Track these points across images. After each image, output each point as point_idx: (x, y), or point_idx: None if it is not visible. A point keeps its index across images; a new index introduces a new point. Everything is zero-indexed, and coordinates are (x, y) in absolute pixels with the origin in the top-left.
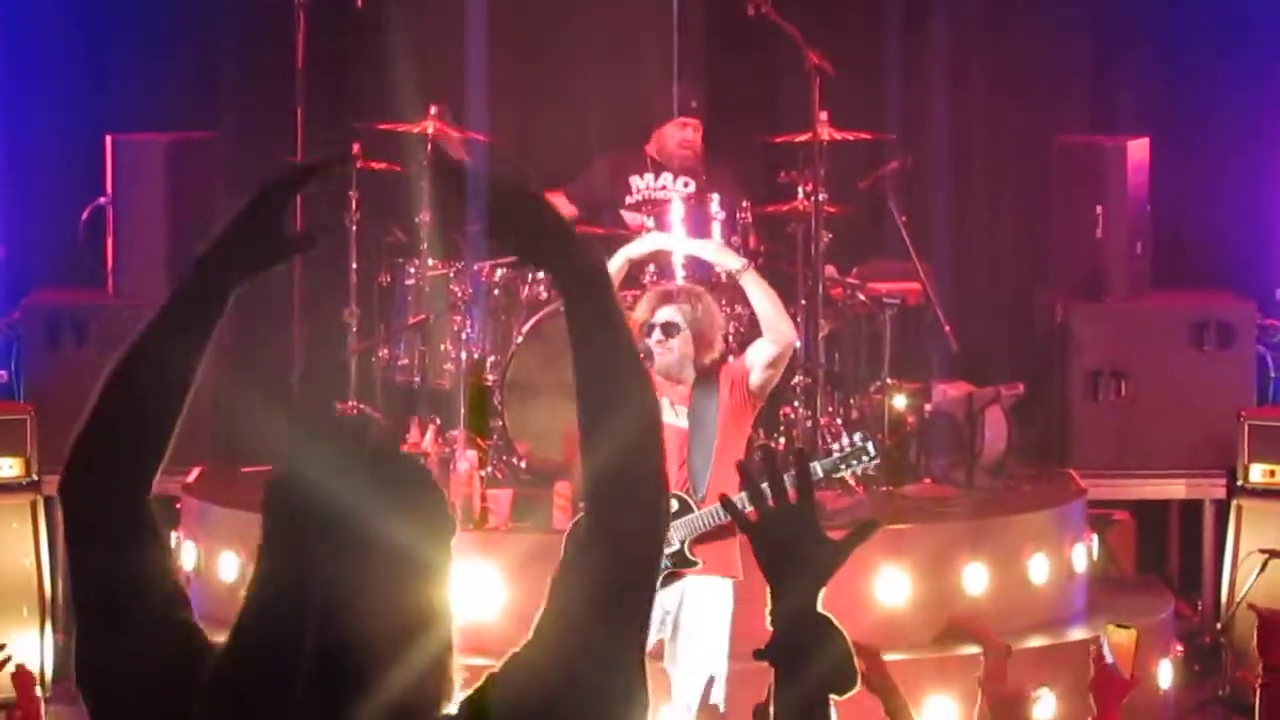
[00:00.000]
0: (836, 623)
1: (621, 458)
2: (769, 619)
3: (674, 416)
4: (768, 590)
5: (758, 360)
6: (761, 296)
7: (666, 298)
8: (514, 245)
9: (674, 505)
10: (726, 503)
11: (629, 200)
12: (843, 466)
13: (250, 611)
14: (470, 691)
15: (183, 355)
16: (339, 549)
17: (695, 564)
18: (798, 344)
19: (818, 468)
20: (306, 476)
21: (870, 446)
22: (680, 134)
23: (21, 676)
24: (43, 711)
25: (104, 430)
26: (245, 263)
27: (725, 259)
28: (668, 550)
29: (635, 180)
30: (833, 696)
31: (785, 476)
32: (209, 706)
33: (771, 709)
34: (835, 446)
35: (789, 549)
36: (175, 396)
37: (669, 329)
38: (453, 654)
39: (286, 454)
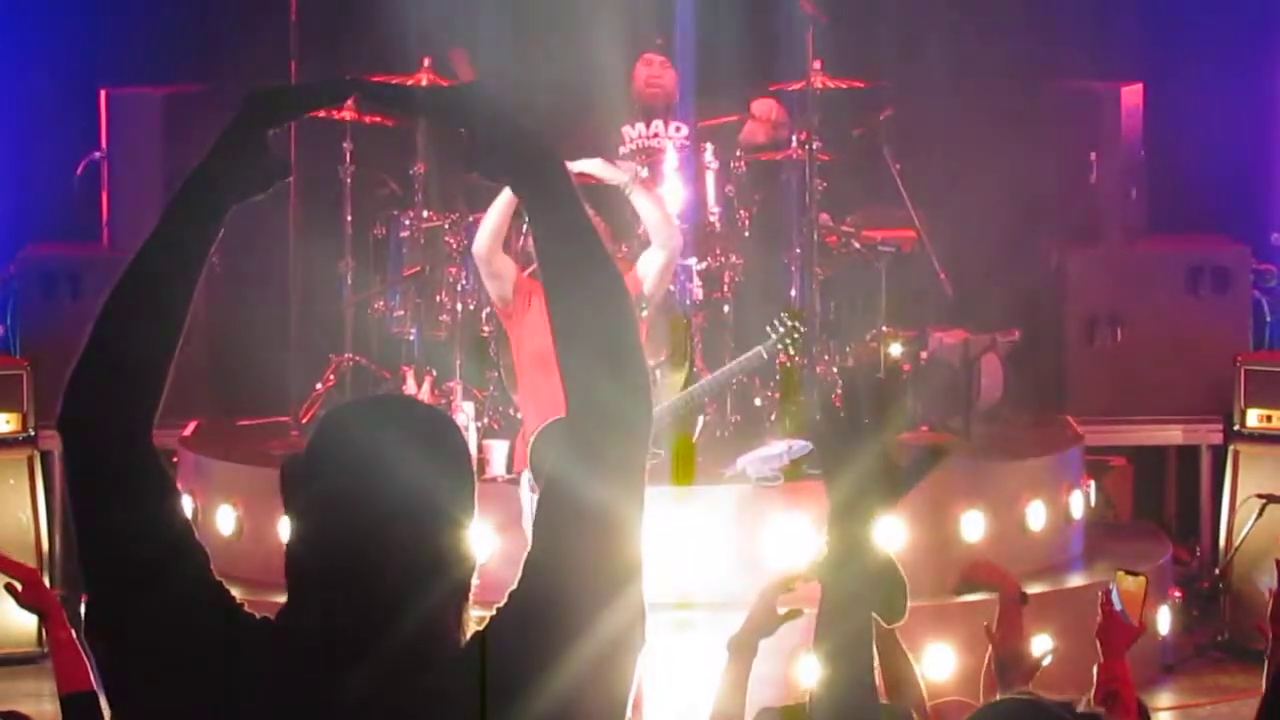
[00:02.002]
0: (890, 553)
1: (598, 334)
2: (822, 540)
3: None
4: (827, 510)
5: (650, 270)
6: (650, 208)
7: None
8: (493, 166)
9: None
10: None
11: (622, 150)
12: (778, 347)
13: (299, 571)
14: (479, 627)
15: (179, 278)
16: (371, 499)
17: None
18: (793, 293)
19: (762, 351)
20: (339, 433)
21: (796, 325)
22: (647, 71)
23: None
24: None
25: (102, 358)
26: (235, 182)
27: (609, 173)
28: None
29: (627, 129)
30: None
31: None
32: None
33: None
34: (769, 329)
35: (854, 467)
36: (173, 321)
37: None
38: (469, 597)
39: (320, 447)
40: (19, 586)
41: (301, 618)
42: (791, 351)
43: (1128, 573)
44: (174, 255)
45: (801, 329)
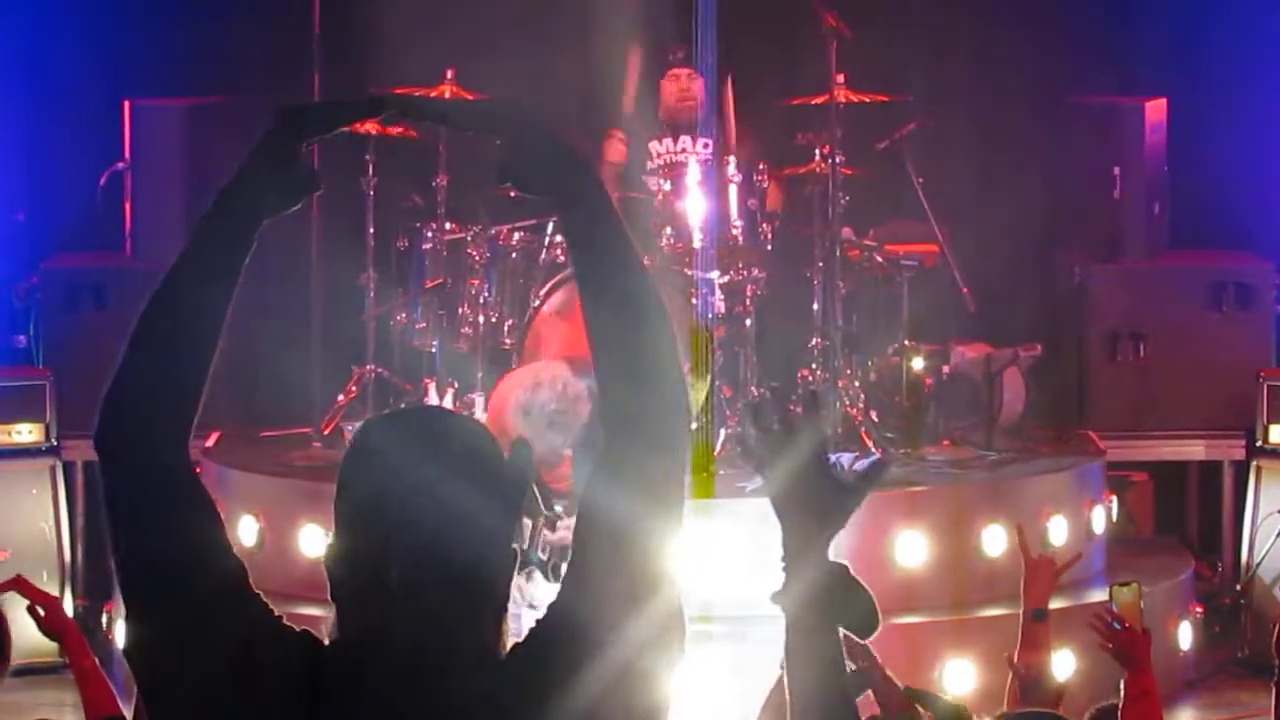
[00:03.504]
0: (851, 569)
1: (634, 348)
2: (781, 564)
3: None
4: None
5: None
6: None
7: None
8: (528, 177)
9: None
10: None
11: (649, 166)
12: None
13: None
14: (519, 639)
15: (212, 297)
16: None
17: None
18: (815, 307)
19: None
20: (381, 454)
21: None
22: (675, 87)
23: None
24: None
25: (136, 380)
26: (266, 196)
27: None
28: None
29: (654, 145)
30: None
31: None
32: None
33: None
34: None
35: (801, 494)
36: (208, 341)
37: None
38: (508, 608)
39: (359, 462)
40: (41, 612)
41: (347, 633)
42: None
43: (1121, 584)
44: (206, 274)
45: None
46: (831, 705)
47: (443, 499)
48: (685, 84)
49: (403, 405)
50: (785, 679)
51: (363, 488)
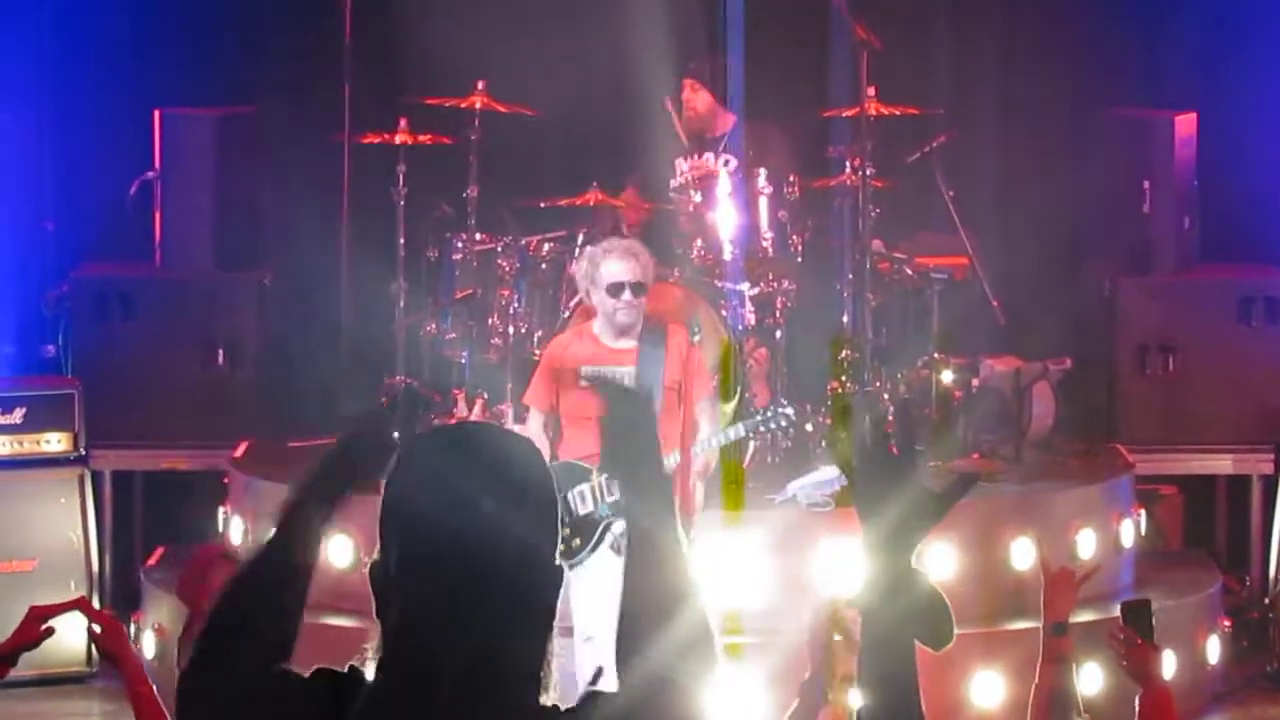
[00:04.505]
0: (930, 578)
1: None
2: (861, 569)
3: (624, 380)
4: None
5: (702, 407)
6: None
7: (633, 254)
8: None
9: None
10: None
11: (673, 183)
12: (761, 427)
13: (395, 649)
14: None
15: (298, 576)
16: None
17: None
18: (845, 319)
19: (741, 428)
20: (424, 469)
21: (790, 413)
22: (679, 98)
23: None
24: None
25: (228, 642)
26: (358, 474)
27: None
28: (609, 499)
29: (680, 162)
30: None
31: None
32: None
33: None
34: (756, 412)
35: (889, 499)
36: (297, 609)
37: (638, 288)
38: (552, 629)
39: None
40: (98, 630)
41: (392, 657)
42: (766, 433)
43: (1130, 601)
44: (292, 560)
45: (790, 424)
46: (903, 708)
47: (486, 513)
48: (688, 95)
49: (450, 421)
50: (857, 679)
51: (407, 503)
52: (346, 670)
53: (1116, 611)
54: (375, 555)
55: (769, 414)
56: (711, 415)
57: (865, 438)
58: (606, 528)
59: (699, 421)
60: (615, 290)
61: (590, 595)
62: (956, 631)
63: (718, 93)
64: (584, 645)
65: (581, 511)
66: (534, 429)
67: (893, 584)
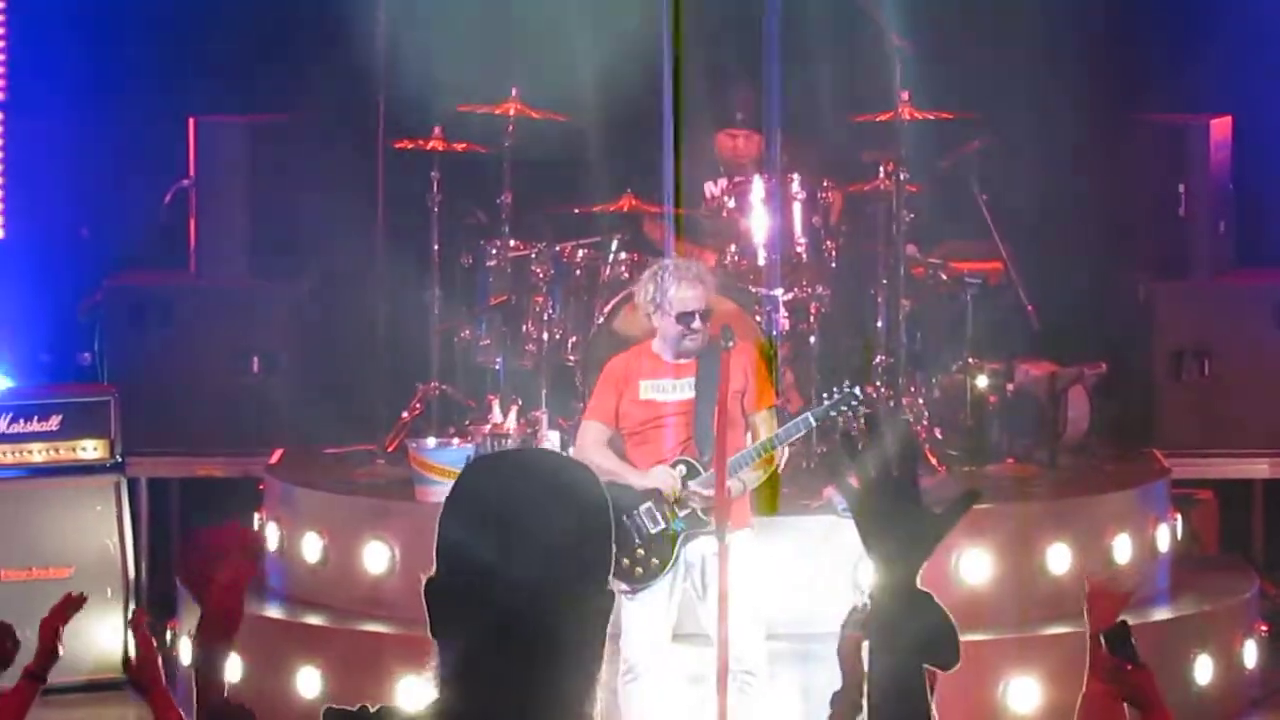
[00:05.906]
0: (936, 599)
1: None
2: (868, 592)
3: (684, 391)
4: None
5: (764, 416)
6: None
7: (701, 280)
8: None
9: (683, 469)
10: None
11: (702, 209)
12: (832, 413)
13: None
14: None
15: None
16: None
17: (707, 524)
18: (879, 324)
19: (810, 418)
20: (485, 533)
21: (857, 391)
22: (730, 143)
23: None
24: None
25: None
26: None
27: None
28: (681, 513)
29: (709, 186)
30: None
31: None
32: None
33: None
34: (825, 396)
35: (890, 521)
36: None
37: (706, 315)
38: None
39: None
40: (133, 656)
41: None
42: (842, 421)
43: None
44: None
45: (862, 402)
46: None
47: (539, 542)
48: (741, 144)
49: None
50: (866, 704)
51: (459, 527)
52: (356, 710)
53: (1152, 617)
54: (431, 573)
55: (837, 396)
56: (771, 427)
57: (881, 460)
58: (684, 543)
59: (759, 430)
60: (685, 319)
61: (643, 625)
62: (991, 637)
63: (762, 128)
64: (629, 684)
65: (653, 530)
66: (588, 440)
67: (897, 607)
